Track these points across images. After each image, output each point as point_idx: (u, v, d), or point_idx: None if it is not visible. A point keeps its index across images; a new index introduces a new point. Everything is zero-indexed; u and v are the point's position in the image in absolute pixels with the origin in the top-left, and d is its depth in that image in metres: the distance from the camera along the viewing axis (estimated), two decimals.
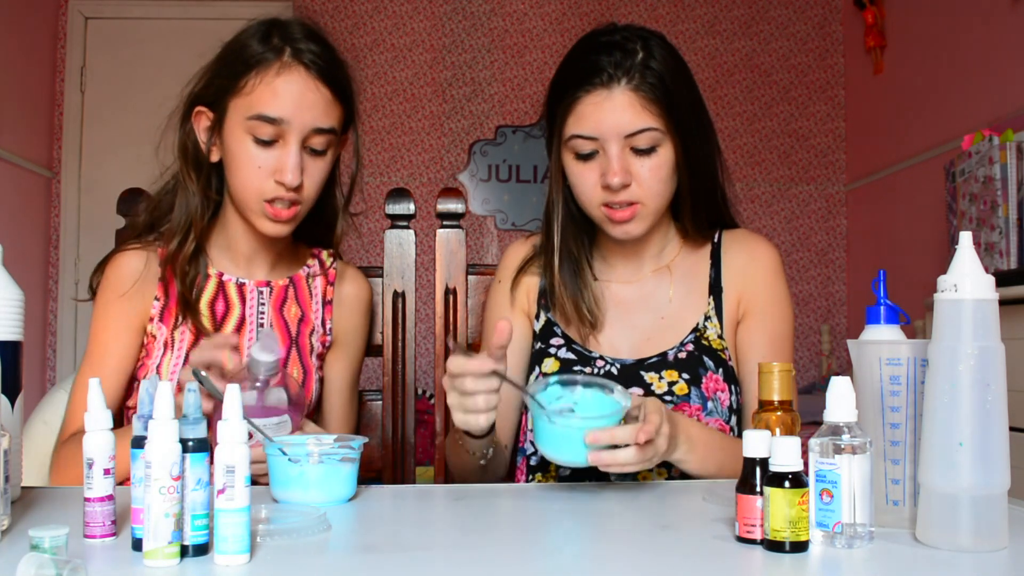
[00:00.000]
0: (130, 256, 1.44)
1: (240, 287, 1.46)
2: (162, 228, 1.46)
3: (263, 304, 1.47)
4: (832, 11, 4.78)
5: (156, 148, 1.43)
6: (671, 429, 1.19)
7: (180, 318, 1.42)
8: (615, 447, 1.12)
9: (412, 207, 1.71)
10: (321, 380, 1.52)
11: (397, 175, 4.69)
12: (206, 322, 1.42)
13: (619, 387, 1.17)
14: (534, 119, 4.69)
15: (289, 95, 1.33)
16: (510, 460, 1.48)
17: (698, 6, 4.75)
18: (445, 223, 1.71)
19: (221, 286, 1.45)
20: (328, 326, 1.52)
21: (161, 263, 1.43)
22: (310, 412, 1.50)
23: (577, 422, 1.12)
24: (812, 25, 4.78)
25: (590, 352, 1.44)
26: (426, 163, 4.73)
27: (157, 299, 1.43)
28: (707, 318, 1.44)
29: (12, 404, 1.05)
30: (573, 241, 1.45)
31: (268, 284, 1.48)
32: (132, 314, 1.43)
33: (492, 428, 1.26)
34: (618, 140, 1.32)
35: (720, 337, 1.43)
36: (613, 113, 1.31)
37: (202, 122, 1.41)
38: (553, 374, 1.24)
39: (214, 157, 1.40)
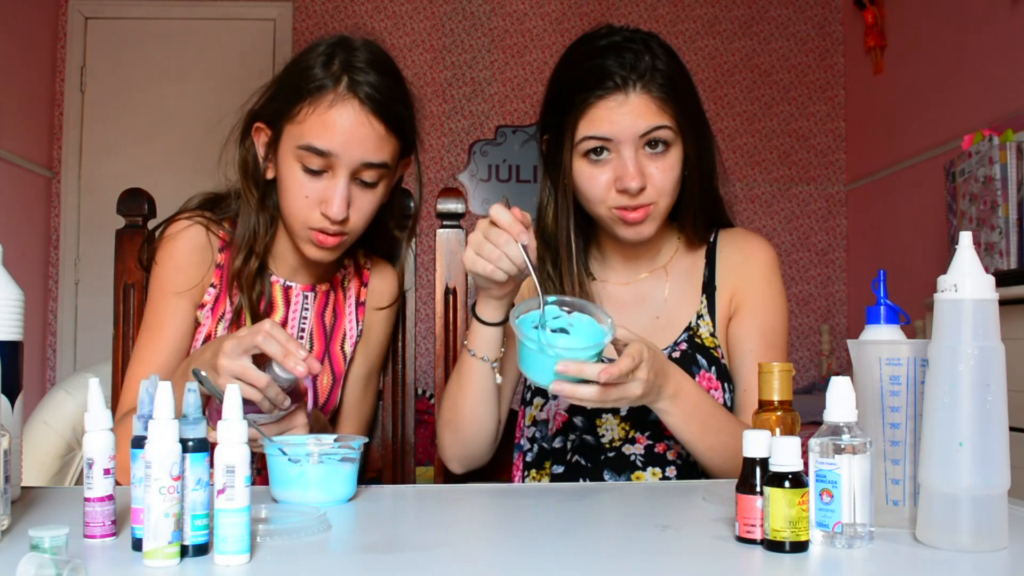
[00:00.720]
0: (198, 230, 1.42)
1: (286, 290, 1.47)
2: (215, 214, 1.46)
3: (307, 309, 1.47)
4: (832, 11, 4.78)
5: (217, 161, 1.42)
6: (654, 377, 1.20)
7: (232, 317, 1.41)
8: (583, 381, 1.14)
9: (412, 207, 1.71)
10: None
11: None
12: (252, 322, 1.42)
13: (611, 319, 1.19)
14: (534, 119, 4.66)
15: (340, 129, 1.30)
16: (495, 443, 1.48)
17: (698, 6, 4.75)
18: (445, 223, 1.71)
19: (268, 286, 1.46)
20: (360, 327, 1.53)
21: (222, 248, 1.43)
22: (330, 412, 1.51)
23: (555, 350, 1.14)
24: (812, 25, 4.78)
25: None
26: (426, 163, 4.71)
27: (213, 286, 1.43)
28: (699, 316, 1.44)
29: (12, 404, 1.05)
30: (572, 241, 1.45)
31: (313, 289, 1.48)
32: (194, 289, 1.41)
33: (504, 322, 1.29)
34: (633, 141, 1.32)
35: (712, 335, 1.43)
36: (630, 116, 1.31)
37: (261, 138, 1.40)
38: (552, 295, 1.26)
39: (269, 175, 1.40)
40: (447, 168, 4.74)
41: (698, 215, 1.44)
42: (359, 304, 1.53)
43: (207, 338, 1.42)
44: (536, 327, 1.20)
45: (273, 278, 1.46)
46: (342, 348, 1.50)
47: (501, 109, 4.75)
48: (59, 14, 4.62)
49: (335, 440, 1.17)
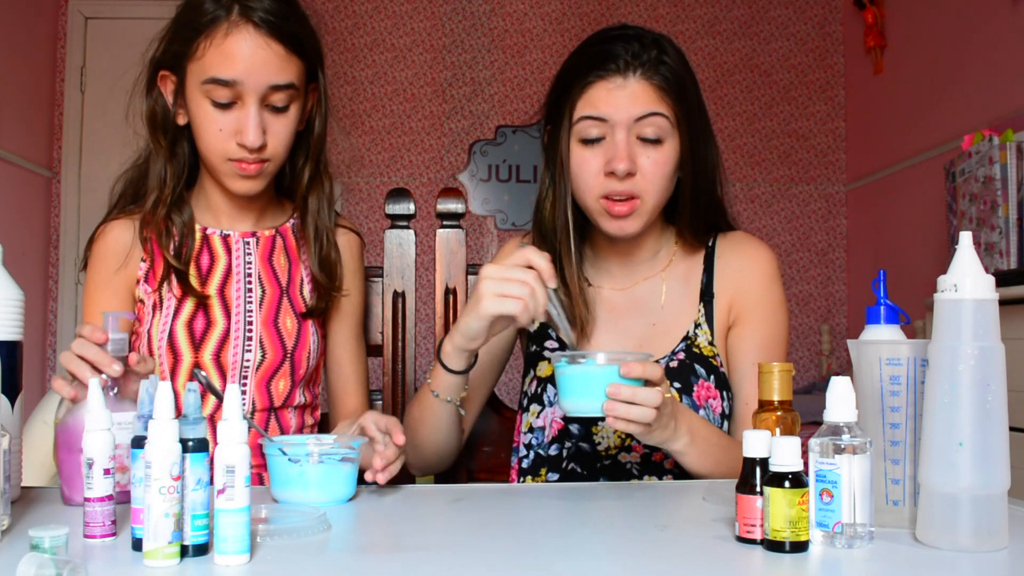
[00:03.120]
0: (115, 226, 1.45)
1: (224, 238, 1.47)
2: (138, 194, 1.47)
3: (249, 255, 1.47)
4: (832, 11, 4.78)
5: (125, 115, 1.44)
6: (673, 413, 1.19)
7: (164, 275, 1.42)
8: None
9: (412, 207, 1.71)
10: (322, 337, 1.51)
11: (397, 175, 4.69)
12: (193, 280, 1.42)
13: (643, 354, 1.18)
14: (534, 119, 4.67)
15: (239, 55, 1.31)
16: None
17: (698, 6, 4.75)
18: (445, 223, 1.71)
19: (205, 239, 1.46)
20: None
21: (140, 226, 1.45)
22: (314, 371, 1.49)
23: (601, 369, 1.12)
24: (812, 25, 4.78)
25: None
26: (426, 163, 4.73)
27: (143, 261, 1.44)
28: (697, 325, 1.42)
29: (12, 404, 1.05)
30: (571, 228, 1.42)
31: (254, 234, 1.48)
32: (120, 283, 1.44)
33: (469, 368, 1.29)
34: (627, 126, 1.32)
35: (711, 344, 1.42)
36: (626, 99, 1.31)
37: (167, 86, 1.41)
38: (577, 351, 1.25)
39: (181, 120, 1.41)
40: (447, 168, 4.74)
41: (695, 219, 1.43)
42: None
43: (153, 308, 1.42)
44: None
45: (209, 231, 1.47)
46: (301, 293, 1.49)
47: (501, 109, 4.75)
48: (59, 14, 4.62)
49: (335, 440, 1.17)
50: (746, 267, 1.45)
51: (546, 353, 1.20)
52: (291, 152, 1.43)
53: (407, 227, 1.72)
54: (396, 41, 4.71)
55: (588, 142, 1.34)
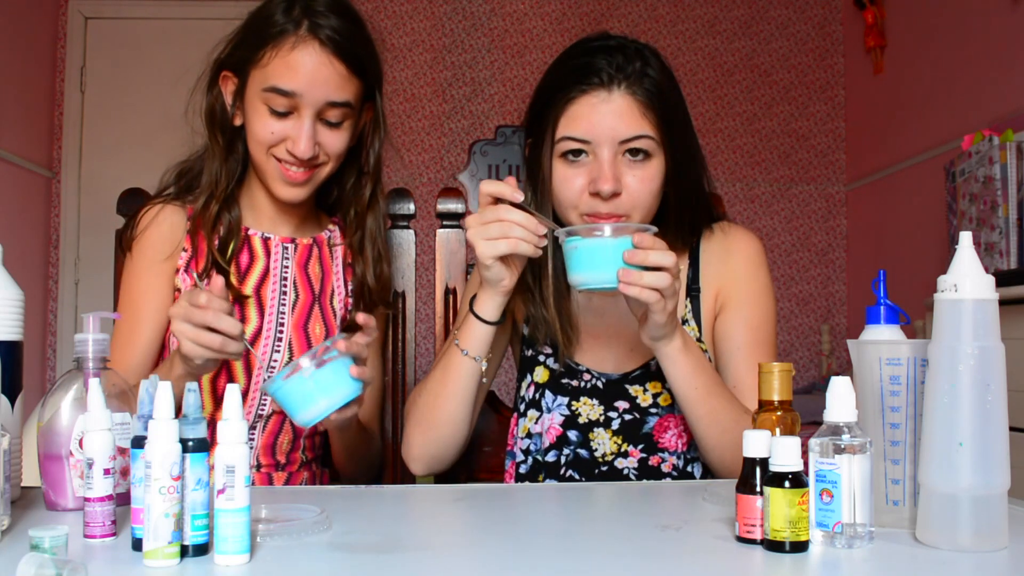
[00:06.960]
0: (169, 212, 1.47)
1: (265, 241, 1.50)
2: (189, 187, 1.50)
3: (287, 259, 1.50)
4: (832, 11, 4.78)
5: (184, 111, 1.47)
6: (673, 312, 1.22)
7: (204, 269, 1.44)
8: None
9: (412, 207, 1.71)
10: None
11: (397, 175, 4.69)
12: (232, 277, 1.45)
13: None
14: None
15: (303, 69, 1.35)
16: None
17: (698, 6, 4.75)
18: (445, 223, 1.71)
19: (247, 239, 1.49)
20: (350, 287, 1.55)
21: (190, 218, 1.47)
22: None
23: (614, 240, 1.17)
24: (812, 25, 4.78)
25: (577, 364, 1.42)
26: (426, 163, 4.73)
27: (185, 250, 1.46)
28: (684, 321, 1.41)
29: (12, 404, 1.05)
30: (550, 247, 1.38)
31: (293, 241, 1.51)
32: (168, 268, 1.45)
33: (500, 321, 1.30)
34: (612, 145, 1.29)
35: (699, 339, 1.41)
36: (610, 116, 1.29)
37: (228, 86, 1.45)
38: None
39: (237, 121, 1.44)
40: (447, 168, 4.74)
41: (680, 226, 1.40)
42: (347, 265, 1.55)
43: None
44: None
45: (251, 231, 1.49)
46: (331, 304, 1.52)
47: (501, 109, 4.75)
48: (59, 14, 4.62)
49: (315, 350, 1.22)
50: (729, 255, 1.44)
51: (558, 234, 1.22)
52: (340, 168, 1.47)
53: (407, 227, 1.72)
54: (396, 41, 4.71)
55: (571, 160, 1.32)
